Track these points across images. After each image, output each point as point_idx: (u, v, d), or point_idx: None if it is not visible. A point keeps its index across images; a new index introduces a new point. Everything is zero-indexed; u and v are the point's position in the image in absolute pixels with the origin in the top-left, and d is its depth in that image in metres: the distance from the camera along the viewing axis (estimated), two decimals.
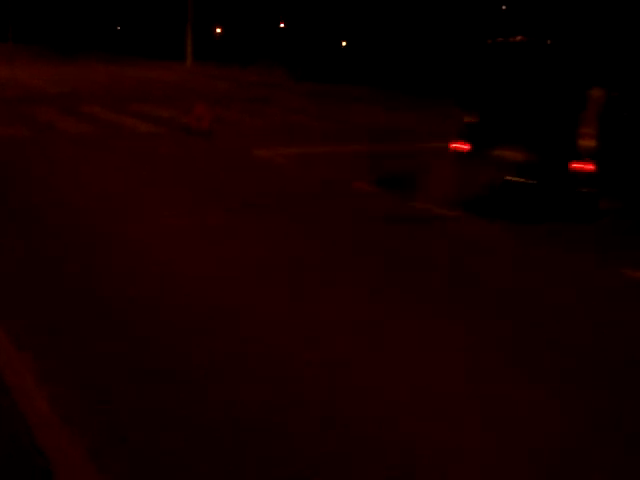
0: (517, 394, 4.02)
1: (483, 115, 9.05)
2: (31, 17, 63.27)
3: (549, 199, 8.34)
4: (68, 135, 13.39)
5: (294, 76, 28.43)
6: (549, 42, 8.72)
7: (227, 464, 3.22)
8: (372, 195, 9.40)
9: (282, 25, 50.92)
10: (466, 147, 9.02)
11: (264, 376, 4.13)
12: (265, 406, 3.75)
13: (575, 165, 7.98)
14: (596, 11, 26.46)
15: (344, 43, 41.97)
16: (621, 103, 8.33)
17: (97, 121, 15.16)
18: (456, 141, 9.15)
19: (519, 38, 9.68)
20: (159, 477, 3.12)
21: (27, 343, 4.46)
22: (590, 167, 7.89)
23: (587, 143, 7.94)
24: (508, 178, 8.49)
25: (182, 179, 10.03)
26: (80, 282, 5.71)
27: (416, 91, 24.20)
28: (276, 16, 49.56)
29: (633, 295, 5.98)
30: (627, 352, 4.73)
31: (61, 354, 4.35)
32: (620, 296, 5.92)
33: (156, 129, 14.45)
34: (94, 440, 3.34)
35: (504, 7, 35.11)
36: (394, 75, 27.51)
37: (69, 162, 11.02)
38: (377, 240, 7.33)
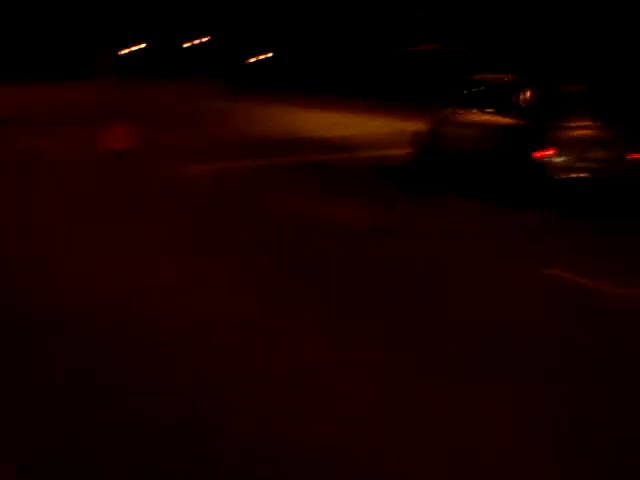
0: None
1: None
2: None
3: None
4: None
5: (221, 89, 28.69)
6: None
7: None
8: None
9: (206, 39, 50.78)
10: None
11: None
12: None
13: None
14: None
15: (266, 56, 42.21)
16: None
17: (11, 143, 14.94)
18: None
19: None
20: None
21: None
22: None
23: None
24: None
25: (93, 199, 10.05)
26: None
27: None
28: (199, 30, 49.45)
29: None
30: None
31: None
32: None
33: (72, 150, 14.33)
34: None
35: (420, 14, 35.80)
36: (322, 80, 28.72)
37: None
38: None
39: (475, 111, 11.00)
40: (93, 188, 10.94)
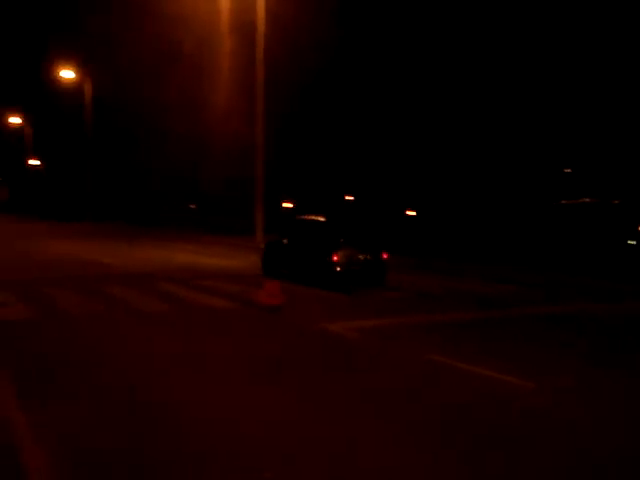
0: None
1: None
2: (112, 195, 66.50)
3: None
4: (140, 313, 13.74)
5: None
6: None
7: None
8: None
9: (350, 198, 52.39)
10: None
11: None
12: None
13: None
14: None
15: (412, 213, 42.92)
16: None
17: (168, 297, 15.55)
18: None
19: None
20: None
21: None
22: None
23: None
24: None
25: (245, 353, 10.13)
26: None
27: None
28: (343, 190, 51.13)
29: None
30: None
31: None
32: None
33: (227, 304, 14.72)
34: None
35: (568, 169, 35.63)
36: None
37: (143, 341, 11.24)
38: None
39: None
40: (248, 341, 11.12)
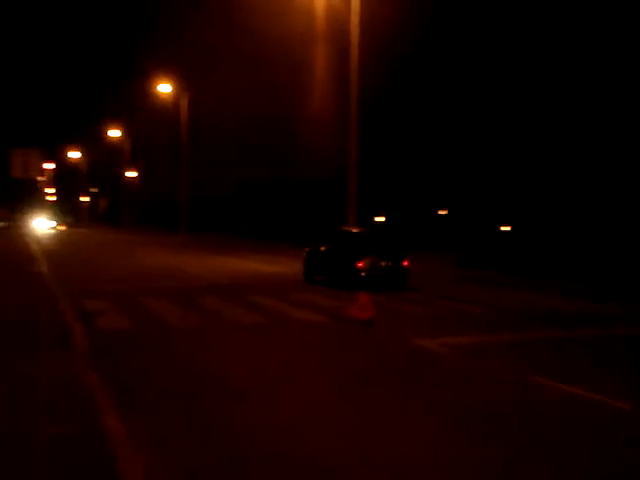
0: None
1: None
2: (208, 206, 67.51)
3: None
4: (237, 325, 13.84)
5: (457, 263, 28.60)
6: None
7: None
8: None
9: (443, 212, 51.98)
10: None
11: None
12: None
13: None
14: None
15: (507, 228, 42.18)
16: None
17: (261, 310, 15.63)
18: None
19: None
20: None
21: None
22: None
23: None
24: None
25: (337, 367, 10.05)
26: None
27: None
28: (435, 204, 50.76)
29: None
30: None
31: None
32: None
33: (318, 317, 14.70)
34: None
35: None
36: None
37: (241, 354, 11.29)
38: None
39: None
40: (338, 355, 11.04)
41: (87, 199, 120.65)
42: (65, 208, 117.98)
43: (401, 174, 50.18)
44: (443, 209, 51.65)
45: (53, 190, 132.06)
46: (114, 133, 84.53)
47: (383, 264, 20.09)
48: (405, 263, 20.41)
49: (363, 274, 19.70)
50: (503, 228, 42.22)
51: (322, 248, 22.15)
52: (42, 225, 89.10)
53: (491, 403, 8.38)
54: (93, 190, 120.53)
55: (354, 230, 22.61)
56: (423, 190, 49.94)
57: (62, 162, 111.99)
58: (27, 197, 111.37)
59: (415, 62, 45.87)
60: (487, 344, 12.16)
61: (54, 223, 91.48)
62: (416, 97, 46.78)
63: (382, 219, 54.57)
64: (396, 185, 51.24)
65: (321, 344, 12.19)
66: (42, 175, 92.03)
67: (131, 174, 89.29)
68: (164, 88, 58.21)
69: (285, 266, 28.49)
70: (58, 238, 61.36)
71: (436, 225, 48.40)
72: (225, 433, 7.12)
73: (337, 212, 39.54)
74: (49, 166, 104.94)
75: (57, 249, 42.57)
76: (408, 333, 12.97)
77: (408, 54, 44.34)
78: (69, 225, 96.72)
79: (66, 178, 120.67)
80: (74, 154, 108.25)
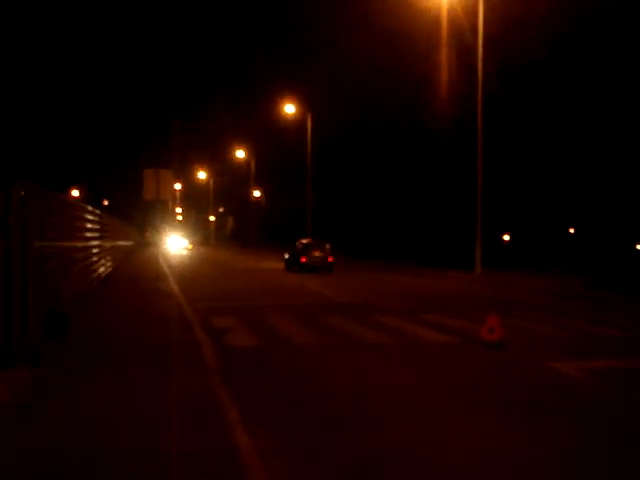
0: None
1: None
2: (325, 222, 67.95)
3: None
4: (362, 343, 13.73)
5: (587, 284, 27.49)
6: None
7: None
8: None
9: (572, 230, 50.42)
10: None
11: None
12: None
13: None
14: None
15: None
16: None
17: (386, 330, 15.46)
18: None
19: None
20: None
21: None
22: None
23: None
24: None
25: (468, 391, 9.74)
26: None
27: None
28: (566, 222, 49.25)
29: None
30: None
31: None
32: None
33: (447, 339, 14.39)
34: None
35: None
36: None
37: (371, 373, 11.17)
38: None
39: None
40: (469, 378, 10.73)
41: (214, 218, 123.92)
42: (193, 227, 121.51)
43: (529, 191, 48.93)
44: (572, 227, 50.04)
45: (181, 210, 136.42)
46: (240, 154, 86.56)
47: (317, 258, 37.09)
48: (330, 259, 37.32)
49: (304, 263, 36.88)
50: None
51: (289, 252, 39.83)
52: (175, 244, 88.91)
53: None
54: (220, 209, 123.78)
55: (303, 241, 40.03)
56: (551, 207, 48.49)
57: (190, 182, 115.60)
58: (157, 216, 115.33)
59: (547, 71, 44.64)
60: (627, 370, 11.55)
61: (187, 243, 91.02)
62: (546, 110, 45.54)
63: (507, 237, 53.47)
64: (523, 202, 49.98)
65: (452, 366, 11.87)
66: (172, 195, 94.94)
67: (256, 193, 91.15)
68: (289, 109, 59.19)
69: (412, 280, 28.21)
70: (186, 256, 63.17)
71: (564, 243, 46.90)
72: (360, 459, 6.97)
73: (458, 228, 38.90)
74: (177, 186, 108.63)
75: (185, 267, 43.76)
76: (541, 355, 12.49)
77: (538, 62, 43.26)
78: (197, 244, 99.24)
79: (194, 198, 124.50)
80: (201, 174, 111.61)
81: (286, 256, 40.12)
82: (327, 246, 38.28)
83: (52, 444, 6.94)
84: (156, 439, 7.13)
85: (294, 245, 39.33)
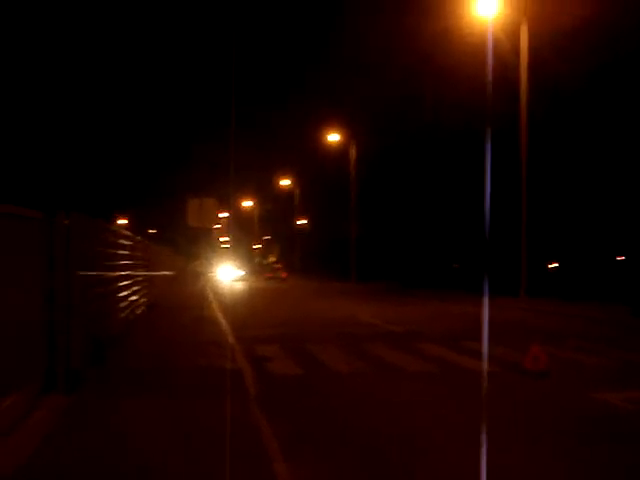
0: None
1: None
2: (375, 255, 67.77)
3: None
4: (406, 373, 13.65)
5: (633, 311, 26.96)
6: None
7: None
8: None
9: (620, 259, 49.60)
10: None
11: None
12: None
13: None
14: None
15: None
16: None
17: (430, 358, 15.34)
18: None
19: None
20: None
21: None
22: None
23: None
24: None
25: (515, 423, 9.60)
26: None
27: None
28: (614, 250, 48.46)
29: None
30: None
31: None
32: None
33: (489, 368, 14.21)
34: None
35: None
36: None
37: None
38: None
39: None
40: (513, 409, 10.58)
41: (259, 246, 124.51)
42: (238, 255, 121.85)
43: (578, 219, 48.30)
44: (621, 255, 49.21)
45: (227, 238, 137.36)
46: (285, 182, 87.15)
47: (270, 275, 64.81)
48: (283, 275, 64.53)
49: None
50: None
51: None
52: (227, 274, 74.44)
53: None
54: (266, 237, 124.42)
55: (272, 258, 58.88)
56: (600, 235, 47.73)
57: (236, 211, 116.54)
58: (202, 244, 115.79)
59: (594, 98, 44.10)
60: None
61: (242, 272, 76.06)
62: (597, 136, 44.99)
63: (555, 265, 52.78)
64: (572, 231, 49.32)
65: (496, 397, 11.69)
66: (217, 223, 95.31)
67: (301, 222, 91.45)
68: (333, 137, 59.54)
69: (458, 307, 27.97)
70: (242, 290, 63.27)
71: (612, 271, 46.08)
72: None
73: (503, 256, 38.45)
74: (223, 215, 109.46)
75: (228, 294, 43.97)
76: (586, 385, 12.27)
77: (581, 88, 42.82)
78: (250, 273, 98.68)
79: (240, 226, 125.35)
80: (247, 203, 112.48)
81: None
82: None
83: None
84: (193, 466, 7.15)
85: (258, 264, 61.20)
